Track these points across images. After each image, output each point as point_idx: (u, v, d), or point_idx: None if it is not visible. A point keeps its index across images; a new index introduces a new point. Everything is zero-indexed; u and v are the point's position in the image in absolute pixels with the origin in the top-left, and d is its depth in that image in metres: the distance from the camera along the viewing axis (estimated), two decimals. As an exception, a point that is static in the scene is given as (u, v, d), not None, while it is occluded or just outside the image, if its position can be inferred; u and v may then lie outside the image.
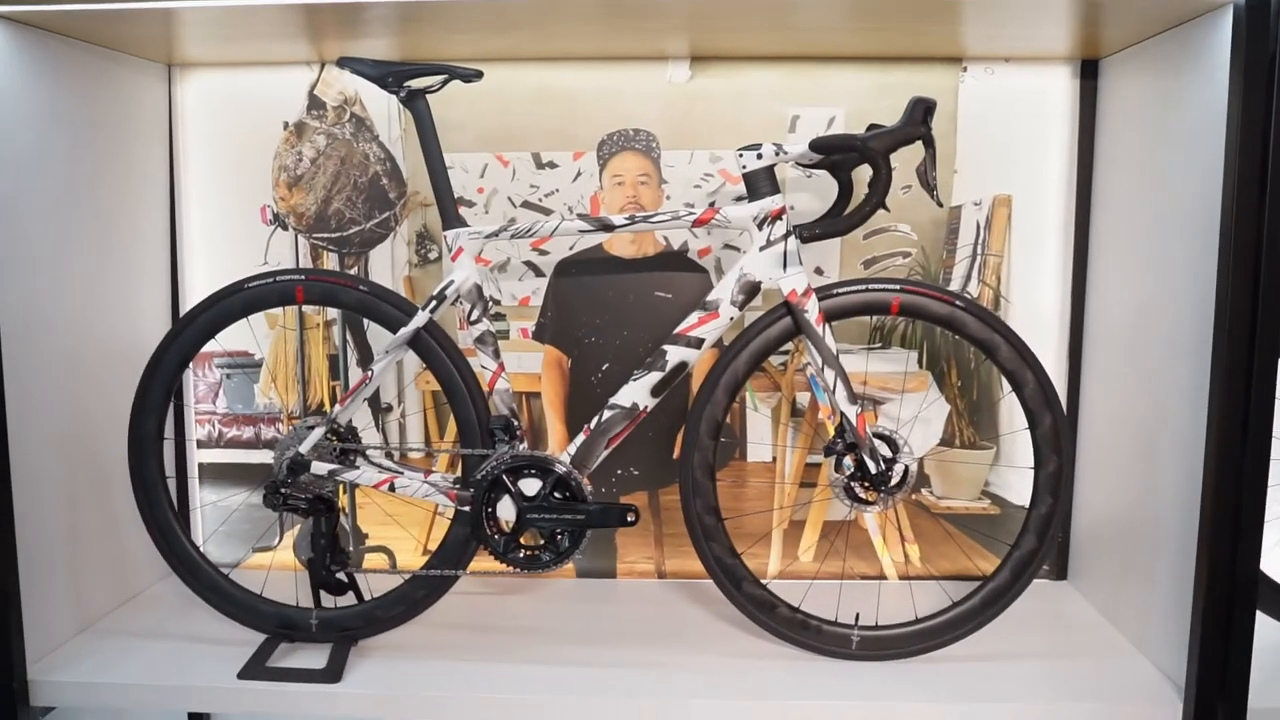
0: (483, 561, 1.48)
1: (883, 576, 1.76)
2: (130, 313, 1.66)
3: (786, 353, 1.72)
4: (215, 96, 1.73)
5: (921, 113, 1.26)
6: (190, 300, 1.75)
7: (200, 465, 1.80)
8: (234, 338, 1.75)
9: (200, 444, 1.80)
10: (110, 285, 1.60)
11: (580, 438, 1.40)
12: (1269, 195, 1.19)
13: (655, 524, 1.76)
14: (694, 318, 1.37)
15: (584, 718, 1.34)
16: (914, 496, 1.75)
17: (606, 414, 1.40)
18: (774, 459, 1.75)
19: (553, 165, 1.70)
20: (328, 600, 1.48)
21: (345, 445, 1.44)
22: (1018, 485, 1.74)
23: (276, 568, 1.77)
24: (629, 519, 1.37)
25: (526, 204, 1.71)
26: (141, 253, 1.69)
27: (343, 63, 1.39)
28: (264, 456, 1.79)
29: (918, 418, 1.72)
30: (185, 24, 1.43)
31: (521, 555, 1.40)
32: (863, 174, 1.33)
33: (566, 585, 1.75)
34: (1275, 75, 1.18)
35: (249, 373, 1.78)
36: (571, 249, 1.71)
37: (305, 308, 1.75)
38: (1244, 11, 1.19)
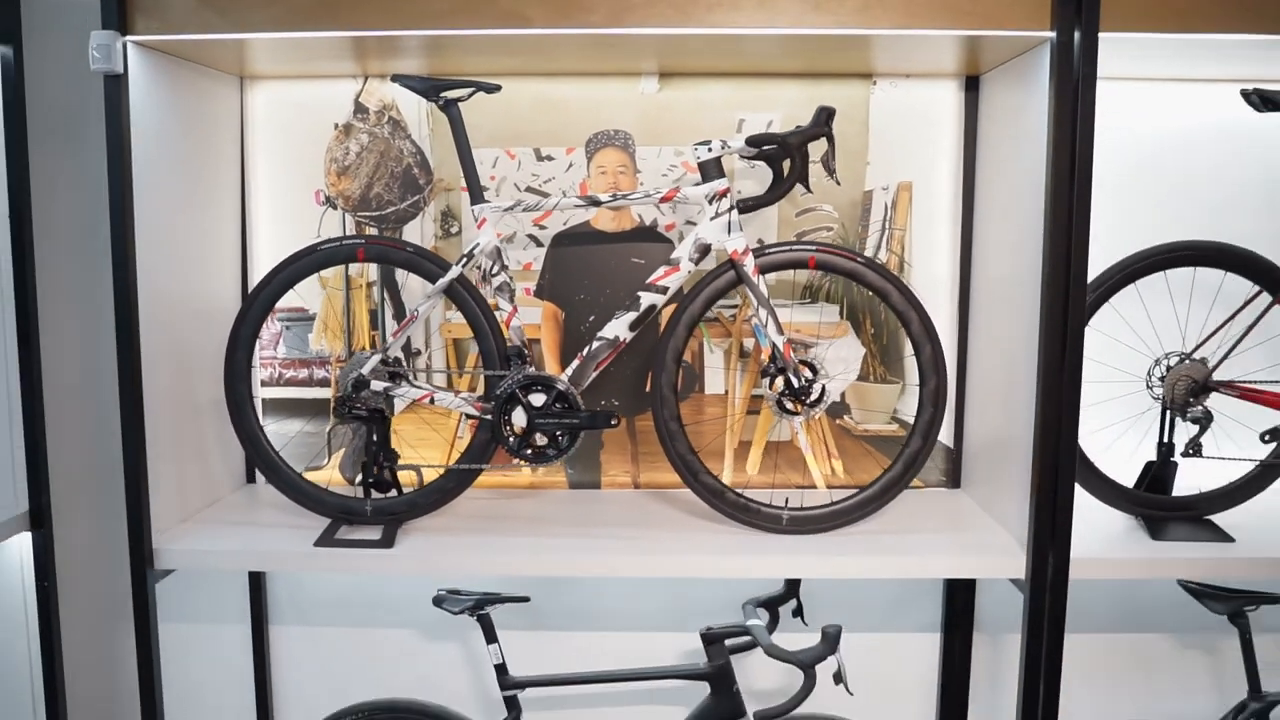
0: (491, 478, 1.92)
1: (813, 486, 2.21)
2: (209, 276, 2.07)
3: (736, 306, 2.17)
4: (279, 102, 2.16)
5: (825, 117, 1.72)
6: (258, 266, 2.18)
7: (263, 400, 2.23)
8: (291, 296, 2.16)
9: (263, 383, 2.22)
10: (195, 254, 1.99)
11: (575, 363, 1.85)
12: (1075, 183, 1.65)
13: (632, 444, 2.21)
14: (661, 271, 1.83)
15: (576, 568, 1.79)
16: (837, 421, 2.20)
17: (595, 344, 1.85)
18: (726, 391, 2.20)
19: (550, 158, 2.14)
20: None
21: (394, 370, 1.88)
22: (919, 412, 2.19)
23: (333, 484, 2.20)
24: (613, 422, 1.82)
25: (529, 189, 2.15)
26: (218, 228, 2.10)
27: (395, 78, 1.83)
28: (316, 393, 2.22)
29: (841, 358, 2.17)
30: (258, 48, 1.85)
31: (530, 452, 1.85)
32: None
33: (560, 494, 2.19)
34: (1078, 93, 1.64)
35: (304, 324, 2.20)
36: (565, 225, 2.16)
37: (351, 272, 2.18)
38: (1056, 46, 1.65)
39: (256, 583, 2.29)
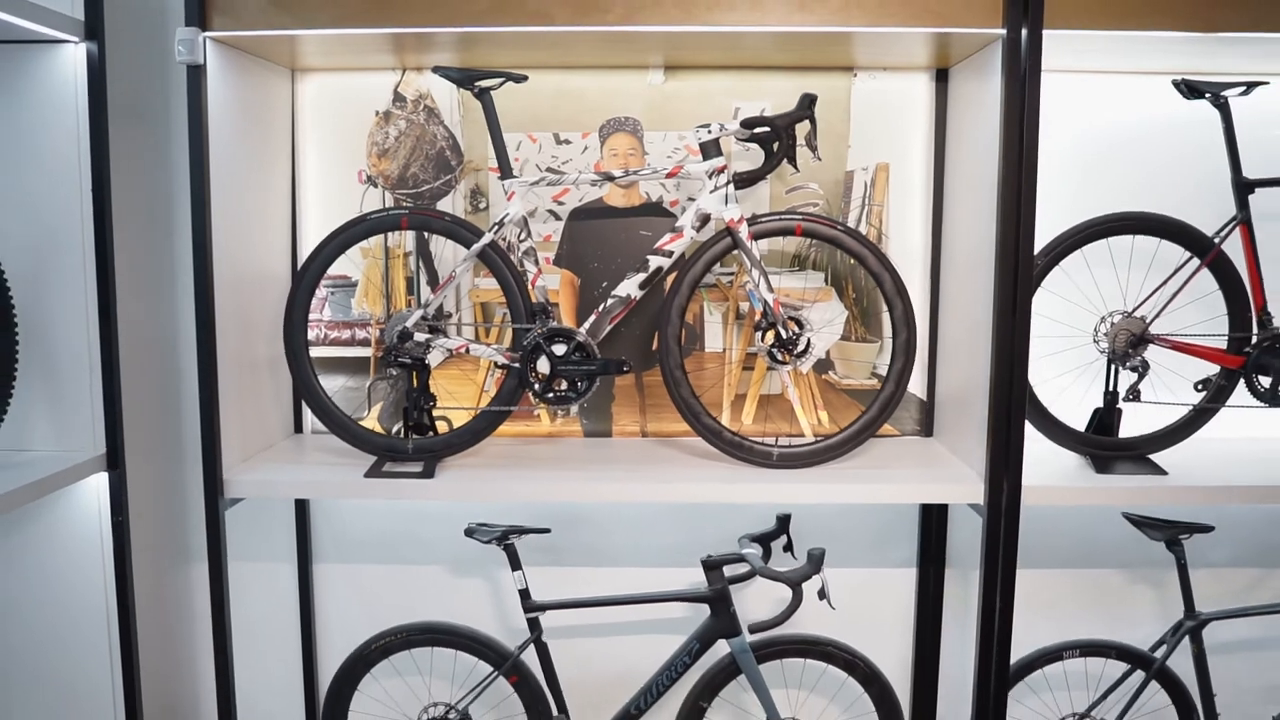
0: (514, 427, 2.19)
1: (802, 434, 2.47)
2: (264, 247, 2.32)
3: (732, 273, 2.43)
4: (326, 92, 2.42)
5: (808, 102, 2.00)
6: (306, 239, 2.44)
7: (310, 359, 2.48)
8: (336, 265, 2.41)
9: (310, 343, 2.48)
10: (253, 228, 2.24)
11: (592, 317, 2.12)
12: (1023, 164, 1.91)
13: (640, 397, 2.47)
14: (666, 237, 2.10)
15: (592, 494, 2.06)
16: (823, 377, 2.47)
17: (609, 301, 2.12)
18: (724, 349, 2.46)
19: (567, 142, 2.41)
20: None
21: (433, 324, 2.15)
22: (895, 368, 2.45)
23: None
24: (624, 369, 2.09)
25: (549, 169, 2.42)
26: (272, 205, 2.36)
27: (436, 69, 2.10)
28: (358, 352, 2.48)
29: (825, 319, 2.44)
30: (312, 43, 2.10)
31: (552, 395, 2.12)
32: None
33: (575, 441, 2.46)
34: (1025, 83, 1.90)
35: (347, 290, 2.47)
36: (581, 201, 2.42)
37: (390, 243, 2.44)
38: (1006, 42, 1.92)
39: (302, 524, 2.55)
